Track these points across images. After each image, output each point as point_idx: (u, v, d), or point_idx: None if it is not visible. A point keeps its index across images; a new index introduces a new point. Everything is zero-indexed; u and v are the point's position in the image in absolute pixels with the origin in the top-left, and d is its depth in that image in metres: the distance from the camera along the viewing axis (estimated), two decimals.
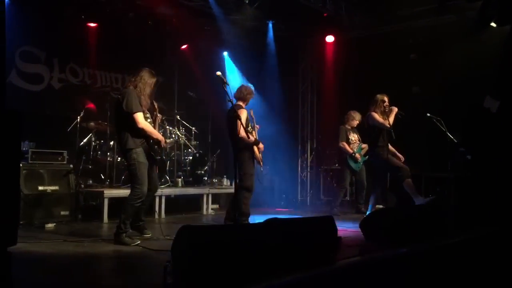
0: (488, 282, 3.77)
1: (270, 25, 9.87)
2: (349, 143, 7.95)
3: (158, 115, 5.37)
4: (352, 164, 7.90)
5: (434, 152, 8.21)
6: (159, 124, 5.43)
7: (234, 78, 9.95)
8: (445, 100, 8.27)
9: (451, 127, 7.59)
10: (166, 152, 8.18)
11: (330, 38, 10.25)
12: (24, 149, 6.34)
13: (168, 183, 7.65)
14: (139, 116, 4.84)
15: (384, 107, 7.13)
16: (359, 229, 5.11)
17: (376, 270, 3.92)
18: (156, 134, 5.08)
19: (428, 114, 7.50)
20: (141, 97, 4.99)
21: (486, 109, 8.52)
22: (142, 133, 4.91)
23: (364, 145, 8.01)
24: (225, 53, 10.54)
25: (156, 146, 5.06)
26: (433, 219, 5.12)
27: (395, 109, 7.10)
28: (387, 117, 7.08)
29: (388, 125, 6.97)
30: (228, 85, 5.13)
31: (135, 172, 4.85)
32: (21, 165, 5.91)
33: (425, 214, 5.18)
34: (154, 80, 5.21)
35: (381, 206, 7.44)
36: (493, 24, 8.38)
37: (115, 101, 5.13)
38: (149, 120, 5.18)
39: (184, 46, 9.69)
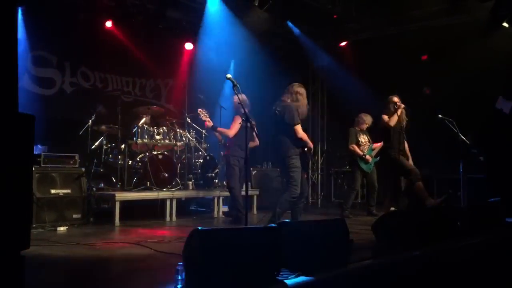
0: (502, 284, 3.72)
1: (280, 27, 9.85)
2: (359, 145, 7.90)
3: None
4: (363, 166, 7.85)
5: (446, 154, 8.14)
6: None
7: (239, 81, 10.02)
8: (457, 101, 8.20)
9: (463, 128, 7.52)
10: (177, 155, 8.21)
11: (342, 44, 10.21)
12: (36, 153, 6.39)
13: (179, 186, 7.67)
14: (299, 127, 5.72)
15: (394, 107, 7.24)
16: (371, 232, 5.09)
17: (388, 272, 3.89)
18: (309, 142, 5.93)
19: (440, 115, 7.45)
20: (298, 110, 5.84)
21: (499, 110, 8.46)
22: (300, 142, 5.74)
23: (374, 146, 7.97)
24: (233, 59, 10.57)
25: (308, 154, 5.91)
26: (445, 221, 5.07)
27: (401, 106, 7.21)
28: (397, 116, 7.15)
29: (391, 125, 7.08)
30: (238, 87, 5.13)
31: (293, 174, 5.69)
32: (33, 168, 5.95)
33: (438, 216, 5.13)
34: (305, 90, 6.09)
35: (393, 209, 7.38)
36: (505, 24, 8.32)
37: (273, 114, 6.00)
38: None
39: (191, 47, 9.70)
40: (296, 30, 9.85)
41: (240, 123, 6.90)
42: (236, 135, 6.93)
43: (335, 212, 8.48)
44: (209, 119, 7.11)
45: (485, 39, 8.32)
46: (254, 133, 7.15)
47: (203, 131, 8.67)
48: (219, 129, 7.12)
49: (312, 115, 11.07)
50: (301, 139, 5.73)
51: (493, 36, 8.34)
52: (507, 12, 8.18)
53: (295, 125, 5.71)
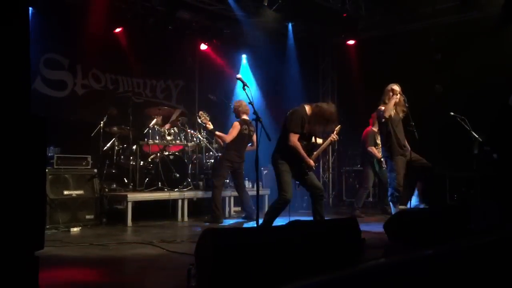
0: None
1: (290, 26, 9.85)
2: (376, 147, 7.83)
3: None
4: (377, 169, 7.79)
5: (459, 152, 8.07)
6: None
7: (250, 81, 10.02)
8: (469, 99, 8.12)
9: (476, 125, 7.45)
10: (188, 155, 8.24)
11: (350, 42, 10.18)
12: (49, 154, 6.45)
13: (190, 186, 7.69)
14: (292, 136, 5.28)
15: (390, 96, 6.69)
16: (383, 231, 5.07)
17: (401, 272, 3.87)
18: (308, 160, 5.44)
19: (452, 113, 7.38)
20: (304, 118, 5.36)
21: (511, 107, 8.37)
22: (290, 150, 5.32)
23: None
24: (244, 56, 10.59)
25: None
26: (459, 219, 5.03)
27: (397, 95, 6.53)
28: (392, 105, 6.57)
29: (386, 116, 6.54)
30: (248, 87, 5.14)
31: (280, 180, 5.34)
32: (46, 170, 6.01)
33: (450, 215, 5.09)
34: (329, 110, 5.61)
35: (403, 207, 7.31)
36: None
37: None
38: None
39: (204, 48, 9.69)
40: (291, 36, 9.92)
41: (239, 130, 6.95)
42: (233, 140, 6.97)
43: (346, 212, 8.46)
44: (209, 122, 7.06)
45: (497, 36, 8.24)
46: (253, 139, 7.23)
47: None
48: (217, 133, 7.14)
49: None
50: (293, 149, 5.28)
51: (505, 32, 8.26)
52: None
53: (290, 132, 5.29)
